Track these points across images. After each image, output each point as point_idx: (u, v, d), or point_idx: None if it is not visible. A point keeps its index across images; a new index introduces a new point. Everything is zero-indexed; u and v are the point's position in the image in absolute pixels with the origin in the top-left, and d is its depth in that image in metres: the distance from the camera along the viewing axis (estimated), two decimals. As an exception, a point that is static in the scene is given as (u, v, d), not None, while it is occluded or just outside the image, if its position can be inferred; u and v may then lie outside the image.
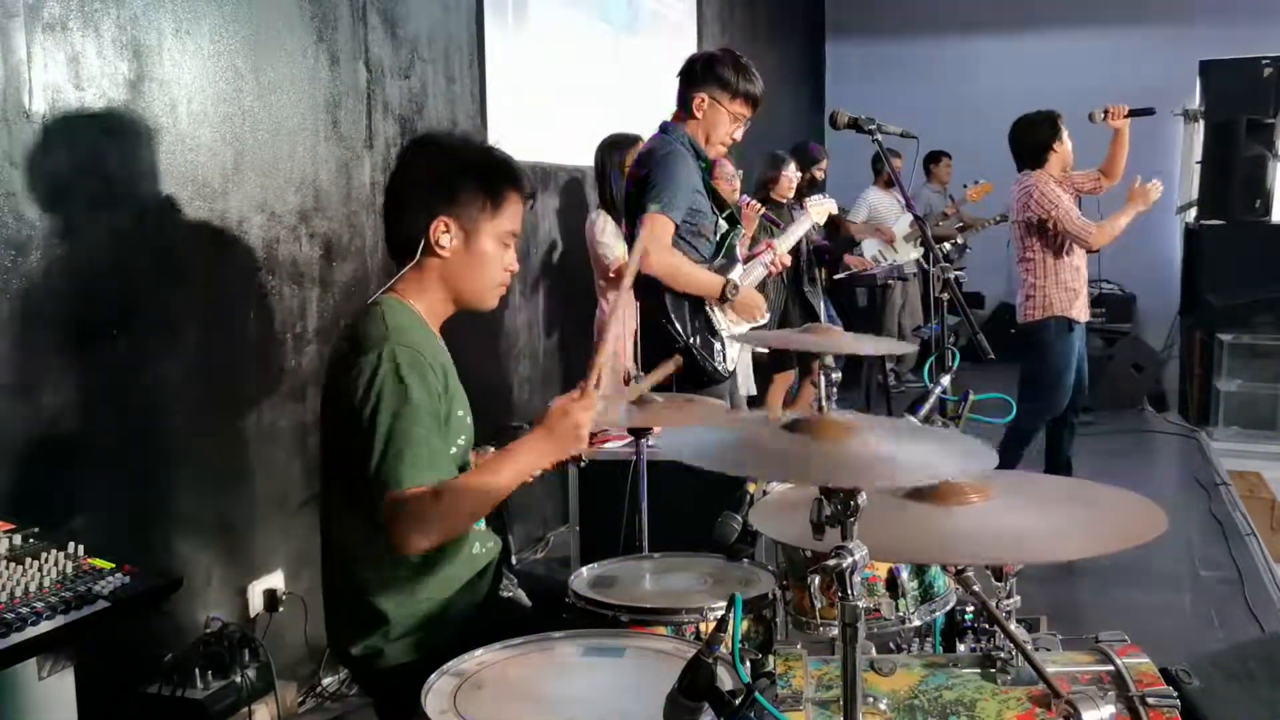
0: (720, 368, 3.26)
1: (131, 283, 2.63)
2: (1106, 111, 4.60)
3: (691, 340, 3.21)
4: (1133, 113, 4.60)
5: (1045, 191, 4.46)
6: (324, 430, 1.96)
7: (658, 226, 3.10)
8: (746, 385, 5.07)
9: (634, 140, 4.22)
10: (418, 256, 1.95)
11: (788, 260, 3.91)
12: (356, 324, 1.92)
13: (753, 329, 3.40)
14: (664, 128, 3.29)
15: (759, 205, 5.09)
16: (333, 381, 1.91)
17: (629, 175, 3.32)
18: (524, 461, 1.88)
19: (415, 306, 1.96)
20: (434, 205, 1.93)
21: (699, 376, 3.22)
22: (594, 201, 4.69)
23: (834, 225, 7.49)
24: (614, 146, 4.44)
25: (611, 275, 4.28)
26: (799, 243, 5.42)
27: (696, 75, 3.23)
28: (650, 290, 3.19)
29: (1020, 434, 4.61)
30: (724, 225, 3.34)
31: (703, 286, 3.22)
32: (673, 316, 3.18)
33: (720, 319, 3.28)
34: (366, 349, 1.83)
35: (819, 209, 4.20)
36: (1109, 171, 4.73)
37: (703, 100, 3.21)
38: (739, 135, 3.32)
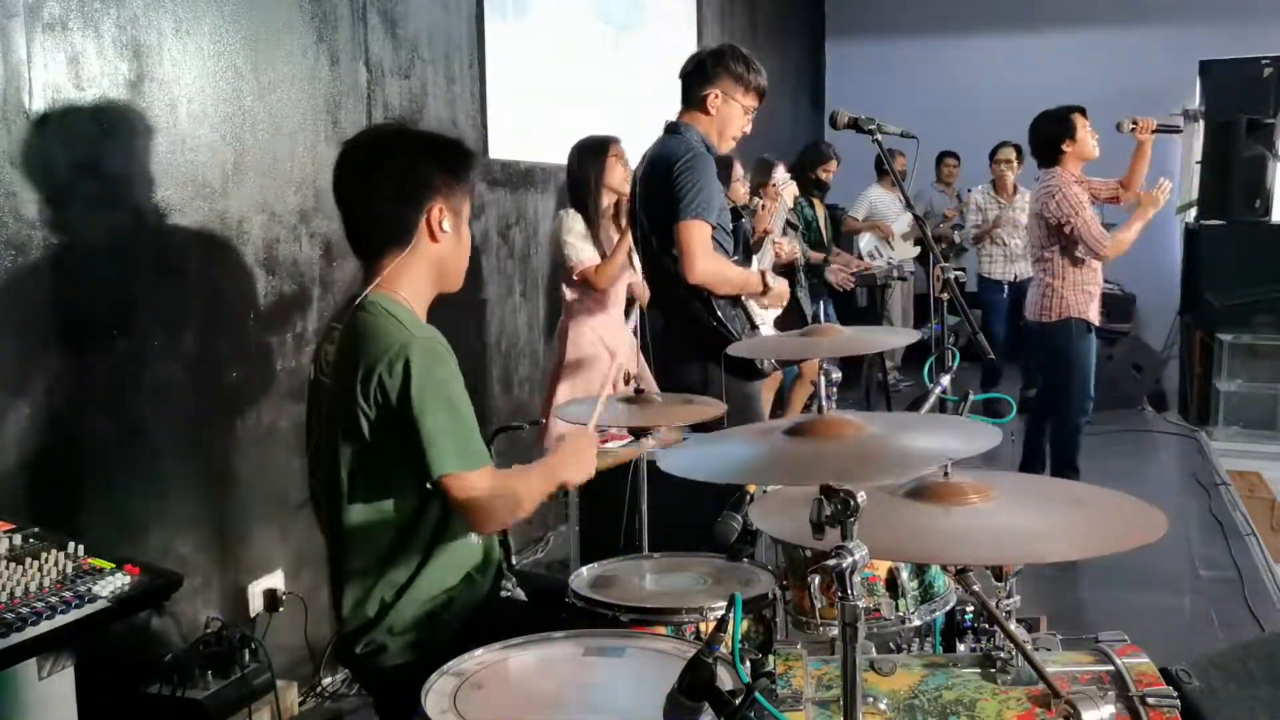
0: (766, 362, 3.23)
1: (131, 283, 2.63)
2: (1136, 123, 4.53)
3: (742, 337, 3.16)
4: (1160, 128, 4.55)
5: (1068, 195, 4.42)
6: (329, 429, 1.95)
7: (700, 233, 3.04)
8: None
9: (609, 141, 4.18)
10: (411, 246, 1.95)
11: (788, 245, 4.01)
12: (358, 324, 1.91)
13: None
14: (674, 128, 3.21)
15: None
16: (343, 384, 1.88)
17: (648, 179, 3.21)
18: (543, 481, 1.99)
19: (406, 300, 1.96)
20: (426, 193, 1.94)
21: (749, 371, 3.18)
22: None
23: (835, 223, 7.51)
24: (591, 151, 4.20)
25: (575, 278, 4.14)
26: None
27: (707, 71, 3.17)
28: (692, 294, 3.12)
29: (1066, 445, 4.63)
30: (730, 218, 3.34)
31: (745, 285, 3.21)
32: (721, 317, 3.13)
33: (757, 312, 3.27)
34: (385, 350, 1.83)
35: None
36: (1128, 184, 4.70)
37: (716, 95, 3.16)
38: (748, 128, 3.30)
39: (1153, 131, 4.55)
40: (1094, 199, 4.65)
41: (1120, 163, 4.73)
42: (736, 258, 3.28)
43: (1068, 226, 4.43)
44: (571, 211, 4.17)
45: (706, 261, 3.05)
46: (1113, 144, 4.73)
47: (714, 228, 3.11)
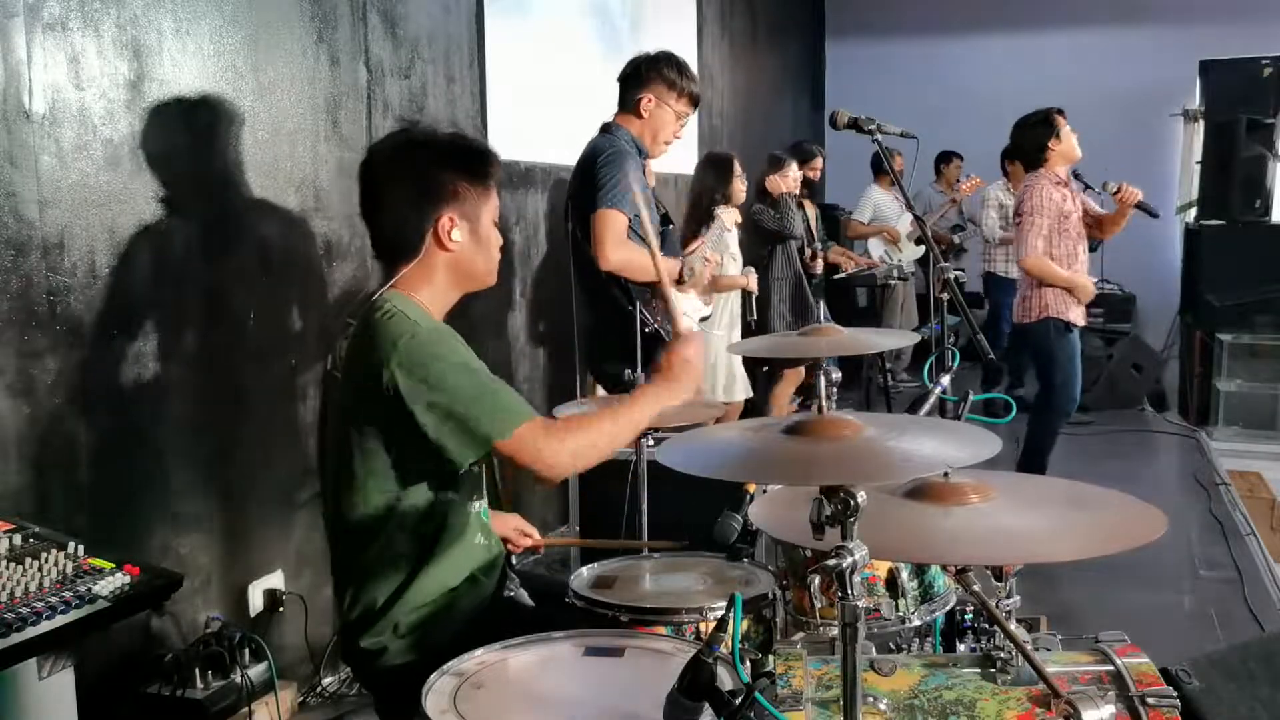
0: None
1: (132, 283, 2.63)
2: (1119, 189, 4.50)
3: (659, 323, 3.28)
4: (1141, 205, 4.52)
5: (1039, 193, 4.47)
6: (339, 424, 1.95)
7: (613, 222, 3.18)
8: (746, 389, 5.06)
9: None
10: (421, 254, 1.95)
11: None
12: (370, 321, 1.90)
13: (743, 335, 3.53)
14: (606, 128, 3.37)
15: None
16: (355, 379, 1.89)
17: (577, 174, 3.37)
18: (646, 405, 1.93)
19: (421, 301, 1.96)
20: (433, 204, 1.94)
21: None
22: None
23: (837, 226, 7.51)
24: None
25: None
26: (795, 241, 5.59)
27: (641, 76, 3.33)
28: (610, 282, 3.26)
29: (1039, 441, 4.64)
30: (660, 224, 3.47)
31: (660, 272, 3.29)
32: (639, 303, 3.22)
33: (678, 299, 3.36)
34: (395, 341, 1.83)
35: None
36: (1103, 230, 4.72)
37: (650, 100, 3.31)
38: (681, 134, 3.45)
39: (1133, 205, 4.51)
40: (1085, 212, 4.64)
41: (1116, 162, 4.72)
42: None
43: (1017, 218, 4.47)
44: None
45: (618, 249, 3.19)
46: (1106, 142, 4.73)
47: (633, 219, 3.21)
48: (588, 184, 3.24)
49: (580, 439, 1.85)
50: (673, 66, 3.34)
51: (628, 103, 3.37)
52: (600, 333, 3.43)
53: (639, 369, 2.77)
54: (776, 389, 5.88)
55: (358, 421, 1.87)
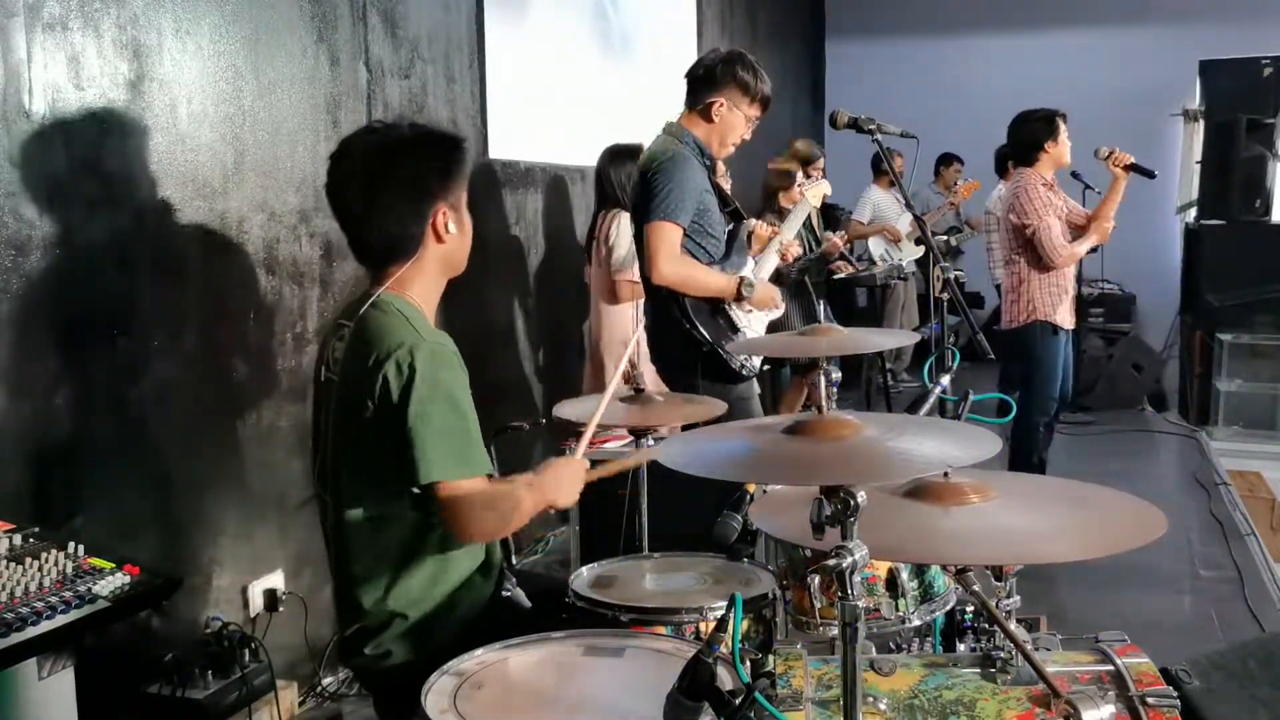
0: (745, 366, 3.21)
1: (131, 283, 2.63)
2: (1111, 153, 4.50)
3: (716, 341, 3.15)
4: (1134, 166, 4.49)
5: (1033, 198, 4.44)
6: (335, 428, 1.95)
7: (665, 234, 3.05)
8: None
9: (637, 150, 4.22)
10: (418, 255, 1.95)
11: (796, 248, 3.88)
12: (369, 322, 1.91)
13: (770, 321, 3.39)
14: (669, 129, 3.23)
15: (767, 225, 5.10)
16: (351, 380, 1.89)
17: (636, 180, 3.25)
18: (529, 498, 1.95)
19: (416, 300, 1.96)
20: (429, 199, 1.95)
21: (726, 375, 3.18)
22: (586, 204, 4.67)
23: (837, 225, 7.50)
24: (620, 156, 4.31)
25: (615, 280, 4.26)
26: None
27: (715, 78, 3.16)
28: (669, 296, 3.13)
29: (1021, 441, 4.63)
30: (728, 222, 3.29)
31: (717, 289, 3.17)
32: (695, 320, 3.12)
33: (740, 317, 3.23)
34: (394, 348, 1.83)
35: (814, 191, 4.19)
36: (1096, 218, 4.66)
37: (720, 104, 3.15)
38: (749, 136, 3.30)
39: (1126, 168, 4.48)
40: (1068, 218, 4.62)
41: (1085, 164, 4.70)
42: (723, 262, 3.23)
43: (1029, 229, 4.45)
44: (624, 213, 4.14)
45: (670, 264, 3.06)
46: (1106, 142, 4.70)
47: (690, 229, 3.10)
48: (646, 190, 3.10)
49: (499, 511, 1.88)
50: (747, 68, 3.16)
51: (696, 104, 3.19)
52: (660, 337, 3.28)
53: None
54: (791, 394, 5.86)
55: (355, 424, 1.87)
